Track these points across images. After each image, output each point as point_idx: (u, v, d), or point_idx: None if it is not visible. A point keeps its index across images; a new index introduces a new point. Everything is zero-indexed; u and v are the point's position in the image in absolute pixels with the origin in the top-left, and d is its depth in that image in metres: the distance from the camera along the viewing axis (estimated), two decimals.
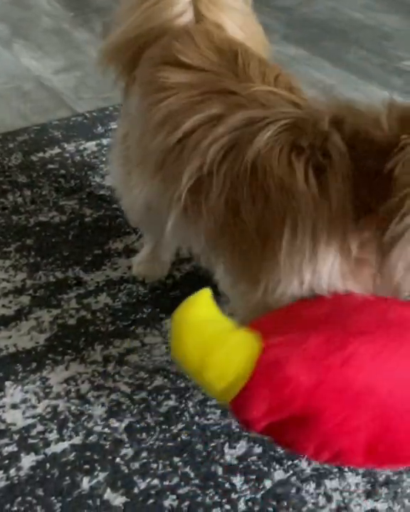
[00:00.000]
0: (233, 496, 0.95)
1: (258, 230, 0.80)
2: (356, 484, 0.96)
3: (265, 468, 0.98)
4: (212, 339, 0.74)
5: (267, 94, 0.83)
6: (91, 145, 1.67)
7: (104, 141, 1.68)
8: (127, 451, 1.00)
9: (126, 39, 1.06)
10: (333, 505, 0.93)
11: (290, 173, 0.76)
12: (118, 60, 1.09)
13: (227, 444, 1.01)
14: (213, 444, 1.01)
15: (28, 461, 0.99)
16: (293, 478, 0.97)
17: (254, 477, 0.97)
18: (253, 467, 0.98)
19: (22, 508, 0.93)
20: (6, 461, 0.99)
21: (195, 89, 0.88)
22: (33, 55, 2.13)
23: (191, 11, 1.02)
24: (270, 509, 0.93)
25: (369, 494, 0.94)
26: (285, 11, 2.43)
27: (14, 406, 1.06)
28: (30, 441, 1.02)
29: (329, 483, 0.96)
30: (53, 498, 0.94)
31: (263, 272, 0.82)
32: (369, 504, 0.93)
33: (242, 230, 0.82)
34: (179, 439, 1.02)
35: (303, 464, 0.98)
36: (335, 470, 0.97)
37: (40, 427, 1.03)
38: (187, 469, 0.98)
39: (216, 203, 0.83)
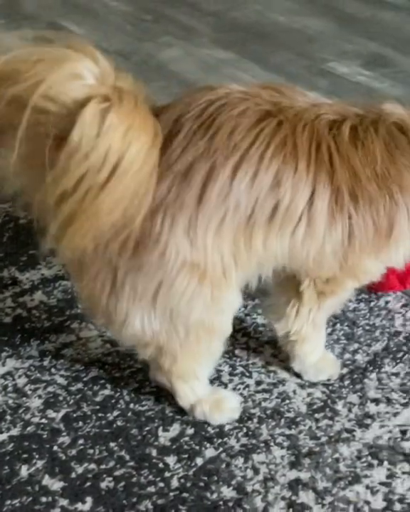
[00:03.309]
0: (167, 474, 1.00)
1: None
2: (282, 456, 1.02)
3: (197, 447, 1.03)
4: None
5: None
6: None
7: None
8: (64, 439, 1.05)
9: None
10: (260, 477, 0.99)
11: None
12: None
13: (161, 428, 1.07)
14: (147, 428, 1.06)
15: None
16: (223, 455, 1.02)
17: (186, 456, 1.02)
18: (185, 447, 1.04)
19: None
20: None
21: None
22: None
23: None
24: (202, 484, 0.99)
25: (293, 465, 1.01)
26: (214, 15, 2.50)
27: None
28: None
29: (257, 457, 1.02)
30: None
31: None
32: (293, 474, 1.00)
33: None
34: (114, 426, 1.07)
35: (232, 441, 1.04)
36: (262, 445, 1.04)
37: None
38: (123, 453, 1.03)
39: None
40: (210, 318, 0.96)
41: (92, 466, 1.01)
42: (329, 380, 1.14)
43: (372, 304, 1.28)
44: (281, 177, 0.88)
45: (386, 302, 1.28)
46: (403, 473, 1.00)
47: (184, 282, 0.90)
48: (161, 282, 0.90)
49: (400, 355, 1.17)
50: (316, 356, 1.12)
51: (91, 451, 1.03)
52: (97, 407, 1.09)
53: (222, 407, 1.08)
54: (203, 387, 1.07)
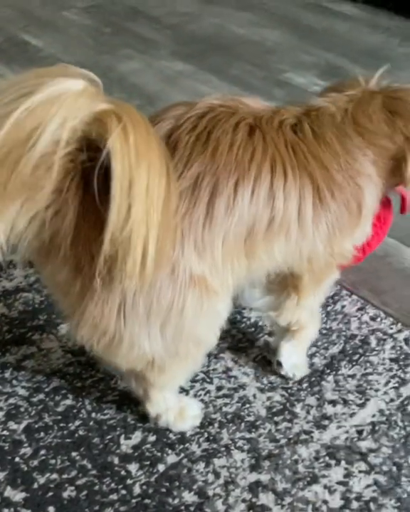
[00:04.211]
0: (129, 481, 1.01)
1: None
2: (242, 460, 1.04)
3: (159, 454, 1.05)
4: None
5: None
6: None
7: None
8: (26, 450, 1.05)
9: None
10: (221, 481, 1.01)
11: None
12: None
13: (123, 436, 1.08)
14: (109, 437, 1.07)
15: None
16: (184, 460, 1.04)
17: (148, 463, 1.04)
18: (147, 454, 1.05)
19: None
20: None
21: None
22: None
23: None
24: (163, 490, 1.00)
25: (253, 468, 1.03)
26: (172, 28, 2.53)
27: None
28: None
29: (218, 461, 1.04)
30: None
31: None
32: (254, 477, 1.02)
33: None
34: (76, 435, 1.07)
35: (194, 447, 1.06)
36: (223, 449, 1.06)
37: None
38: (85, 462, 1.04)
39: None
40: (204, 331, 0.96)
41: (54, 476, 1.01)
42: (288, 382, 1.16)
43: (329, 308, 1.31)
44: (275, 188, 0.92)
45: (343, 306, 1.31)
46: (360, 472, 1.02)
47: (193, 298, 0.90)
48: (172, 300, 0.89)
49: (356, 357, 1.21)
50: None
51: (53, 461, 1.04)
52: (59, 417, 1.10)
53: (184, 415, 1.09)
54: (174, 396, 1.09)
